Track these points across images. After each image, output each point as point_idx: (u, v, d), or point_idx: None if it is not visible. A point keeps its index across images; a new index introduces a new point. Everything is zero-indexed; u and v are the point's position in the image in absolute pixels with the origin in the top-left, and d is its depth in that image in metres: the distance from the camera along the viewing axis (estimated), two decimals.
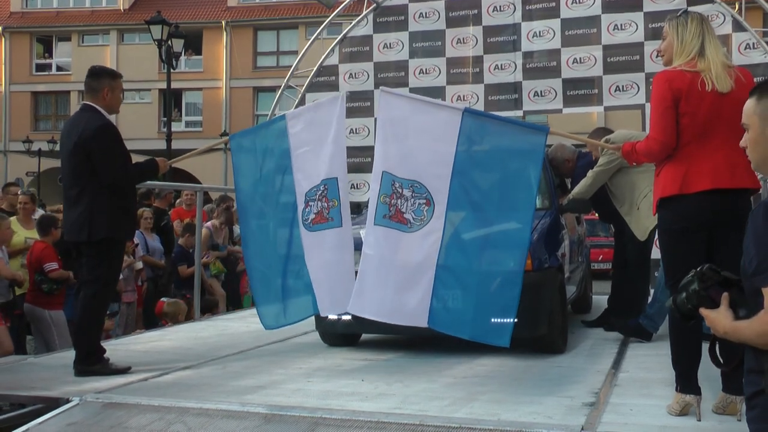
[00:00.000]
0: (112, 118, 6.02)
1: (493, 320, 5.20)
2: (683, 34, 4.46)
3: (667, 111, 4.39)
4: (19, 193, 9.89)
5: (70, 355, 5.99)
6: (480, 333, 5.23)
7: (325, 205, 5.64)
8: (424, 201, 5.24)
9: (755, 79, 4.45)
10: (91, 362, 5.70)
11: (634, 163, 5.18)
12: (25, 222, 9.16)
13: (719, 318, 2.52)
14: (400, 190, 5.27)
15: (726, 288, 2.58)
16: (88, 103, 5.93)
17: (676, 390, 4.42)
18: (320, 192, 5.67)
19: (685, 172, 4.36)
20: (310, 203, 5.72)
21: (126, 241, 6.07)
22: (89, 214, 5.68)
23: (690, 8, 7.44)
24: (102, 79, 5.94)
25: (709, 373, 4.41)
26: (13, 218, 9.17)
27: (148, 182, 8.08)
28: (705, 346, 4.23)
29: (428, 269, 5.21)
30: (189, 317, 9.60)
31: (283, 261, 5.95)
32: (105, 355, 5.84)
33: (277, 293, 6.02)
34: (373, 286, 5.33)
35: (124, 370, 5.75)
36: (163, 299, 9.71)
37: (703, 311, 2.59)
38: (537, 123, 6.91)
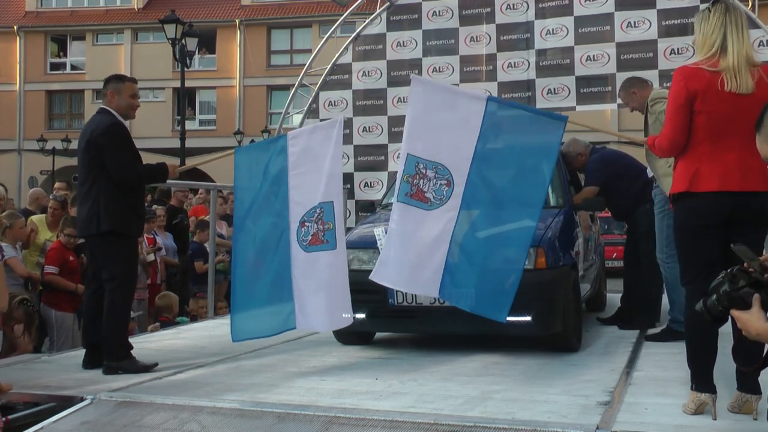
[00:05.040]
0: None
1: (493, 297, 5.43)
2: (705, 28, 4.39)
3: (680, 109, 4.36)
4: (48, 196, 9.91)
5: (83, 354, 6.01)
6: (480, 307, 5.48)
7: (321, 227, 5.89)
8: (445, 182, 5.54)
9: None
10: (119, 357, 5.74)
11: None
12: (52, 226, 9.13)
13: (752, 320, 2.48)
14: (423, 171, 5.56)
15: (757, 289, 2.54)
16: (102, 106, 6.11)
17: (692, 389, 4.37)
18: (317, 214, 5.92)
19: (696, 170, 4.33)
20: (306, 223, 5.96)
21: (136, 238, 6.13)
22: (98, 208, 5.79)
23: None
24: (108, 83, 6.13)
25: (724, 372, 4.40)
26: (40, 217, 9.20)
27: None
28: (721, 345, 4.24)
29: (442, 244, 5.52)
30: (201, 315, 9.62)
31: (268, 274, 6.13)
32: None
33: (258, 304, 6.18)
34: (394, 257, 5.62)
35: (151, 367, 5.80)
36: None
37: (735, 313, 2.55)
38: None
